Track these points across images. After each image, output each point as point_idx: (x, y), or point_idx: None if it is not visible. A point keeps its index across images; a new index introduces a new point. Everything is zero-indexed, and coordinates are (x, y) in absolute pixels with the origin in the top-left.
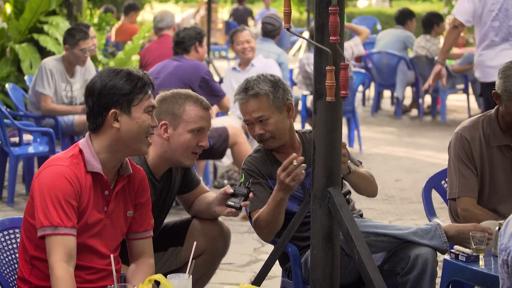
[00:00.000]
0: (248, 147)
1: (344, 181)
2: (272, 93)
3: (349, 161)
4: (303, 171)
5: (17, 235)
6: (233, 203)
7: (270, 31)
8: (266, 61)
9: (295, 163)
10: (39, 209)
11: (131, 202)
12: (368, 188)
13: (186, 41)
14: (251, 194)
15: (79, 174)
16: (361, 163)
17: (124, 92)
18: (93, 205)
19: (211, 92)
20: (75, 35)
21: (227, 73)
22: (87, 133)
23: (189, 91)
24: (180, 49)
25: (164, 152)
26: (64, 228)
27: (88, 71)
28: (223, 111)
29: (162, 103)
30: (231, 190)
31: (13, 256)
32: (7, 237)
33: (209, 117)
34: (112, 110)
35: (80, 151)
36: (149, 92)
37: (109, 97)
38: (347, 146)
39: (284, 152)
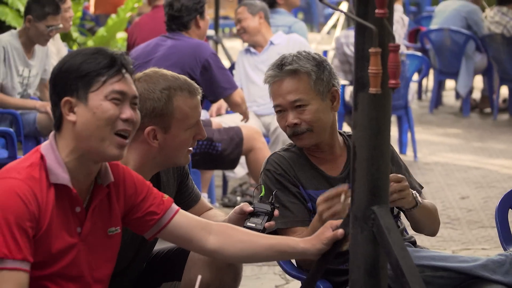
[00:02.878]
0: (268, 154)
1: None
2: (316, 72)
3: (413, 192)
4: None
5: None
6: (254, 225)
7: None
8: (288, 37)
9: (343, 197)
10: None
11: (115, 216)
12: (432, 224)
13: (183, 15)
14: (276, 212)
15: (38, 189)
16: (422, 188)
17: (79, 74)
18: (59, 228)
19: (217, 82)
20: (44, 6)
21: (239, 57)
22: (52, 133)
23: (163, 72)
24: (176, 25)
25: (151, 159)
26: (12, 262)
27: (49, 56)
28: (234, 110)
29: (139, 101)
30: (250, 208)
31: None
32: None
33: (200, 103)
34: (65, 99)
35: (42, 157)
36: (120, 75)
37: (63, 82)
38: (399, 153)
39: (321, 157)
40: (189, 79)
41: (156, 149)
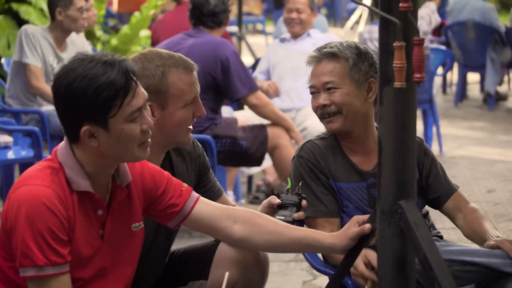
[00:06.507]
0: (293, 151)
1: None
2: (354, 60)
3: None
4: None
5: None
6: (283, 217)
7: None
8: (325, 35)
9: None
10: (18, 245)
11: (136, 212)
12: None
13: (220, 13)
14: (304, 202)
15: (63, 195)
16: (458, 187)
17: (95, 102)
18: (84, 233)
19: (234, 81)
20: None
21: (270, 49)
22: (66, 140)
23: (158, 50)
24: (212, 22)
25: (152, 138)
26: (51, 268)
27: (81, 49)
28: (253, 111)
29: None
30: (278, 201)
31: None
32: None
33: (197, 79)
34: (85, 128)
35: (60, 165)
36: (133, 89)
37: (78, 109)
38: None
39: (354, 148)
40: (184, 57)
41: (155, 127)
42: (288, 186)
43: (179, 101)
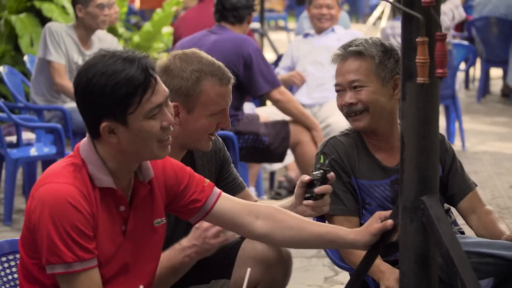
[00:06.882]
0: (315, 148)
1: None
2: (380, 58)
3: None
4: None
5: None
6: (309, 194)
7: None
8: (348, 31)
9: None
10: (43, 244)
11: (159, 208)
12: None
13: (241, 8)
14: (330, 174)
15: (86, 191)
16: (476, 186)
17: (114, 99)
18: (106, 229)
19: (256, 78)
20: None
21: (293, 45)
22: (88, 136)
23: (200, 55)
24: (233, 17)
25: (174, 138)
26: (80, 264)
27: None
28: (276, 107)
29: (168, 76)
30: (308, 177)
31: None
32: (6, 265)
33: (230, 92)
34: (104, 124)
35: (83, 161)
36: (152, 86)
37: (97, 106)
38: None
39: (378, 144)
40: (225, 68)
41: (178, 128)
42: (321, 161)
43: (206, 110)
